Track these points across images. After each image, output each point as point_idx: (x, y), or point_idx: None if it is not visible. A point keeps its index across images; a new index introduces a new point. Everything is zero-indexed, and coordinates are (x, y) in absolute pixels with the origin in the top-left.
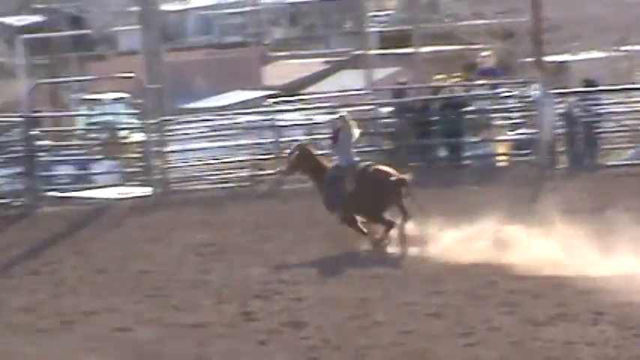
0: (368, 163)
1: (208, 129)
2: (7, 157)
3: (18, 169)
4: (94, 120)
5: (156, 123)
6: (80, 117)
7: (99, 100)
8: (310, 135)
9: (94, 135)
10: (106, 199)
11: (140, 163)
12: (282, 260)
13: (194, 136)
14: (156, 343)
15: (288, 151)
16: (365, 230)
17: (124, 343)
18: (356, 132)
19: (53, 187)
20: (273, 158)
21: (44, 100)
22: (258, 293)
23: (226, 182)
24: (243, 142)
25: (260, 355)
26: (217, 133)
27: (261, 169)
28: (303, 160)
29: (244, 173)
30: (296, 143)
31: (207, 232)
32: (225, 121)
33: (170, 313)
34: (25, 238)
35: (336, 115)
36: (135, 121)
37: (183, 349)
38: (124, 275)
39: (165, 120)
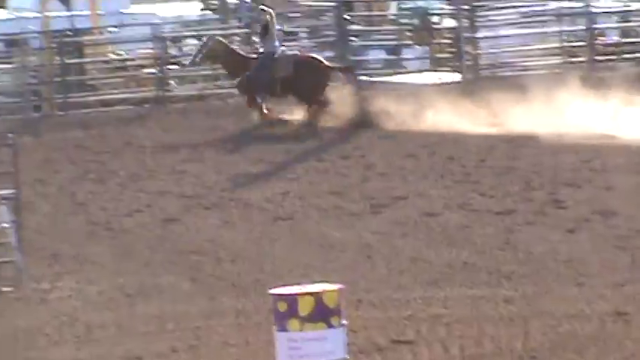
0: (295, 52)
1: (519, 15)
2: (319, 42)
3: (330, 54)
4: (406, 5)
5: (467, 9)
6: (392, 2)
7: None
8: (625, 22)
9: (405, 20)
10: (417, 84)
11: (451, 49)
12: (593, 148)
13: (505, 22)
14: (464, 228)
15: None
16: (265, 110)
17: (432, 227)
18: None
19: (364, 71)
20: (585, 45)
21: None
22: (568, 181)
23: (537, 69)
24: (555, 29)
25: (568, 242)
26: (529, 19)
27: (573, 56)
28: (218, 52)
29: (555, 60)
30: (208, 36)
31: (516, 118)
32: (536, 8)
33: (478, 199)
34: (336, 122)
35: (262, 9)
36: (446, 7)
37: (491, 235)
38: (434, 160)
39: (477, 6)
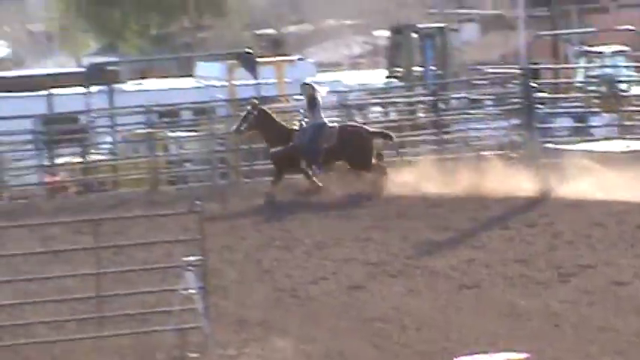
0: (343, 123)
1: None
2: (505, 109)
3: (517, 121)
4: (593, 72)
5: None
6: (579, 69)
7: (599, 52)
8: None
9: (593, 87)
10: (604, 152)
11: (639, 117)
12: None
13: None
14: None
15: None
16: (279, 178)
17: (621, 296)
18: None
19: (551, 139)
20: None
21: (544, 52)
22: None
23: None
24: None
25: None
26: None
27: None
28: (262, 121)
29: None
30: (250, 102)
31: None
32: None
33: None
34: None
35: (306, 83)
36: (635, 74)
37: None
38: (622, 229)
39: None
